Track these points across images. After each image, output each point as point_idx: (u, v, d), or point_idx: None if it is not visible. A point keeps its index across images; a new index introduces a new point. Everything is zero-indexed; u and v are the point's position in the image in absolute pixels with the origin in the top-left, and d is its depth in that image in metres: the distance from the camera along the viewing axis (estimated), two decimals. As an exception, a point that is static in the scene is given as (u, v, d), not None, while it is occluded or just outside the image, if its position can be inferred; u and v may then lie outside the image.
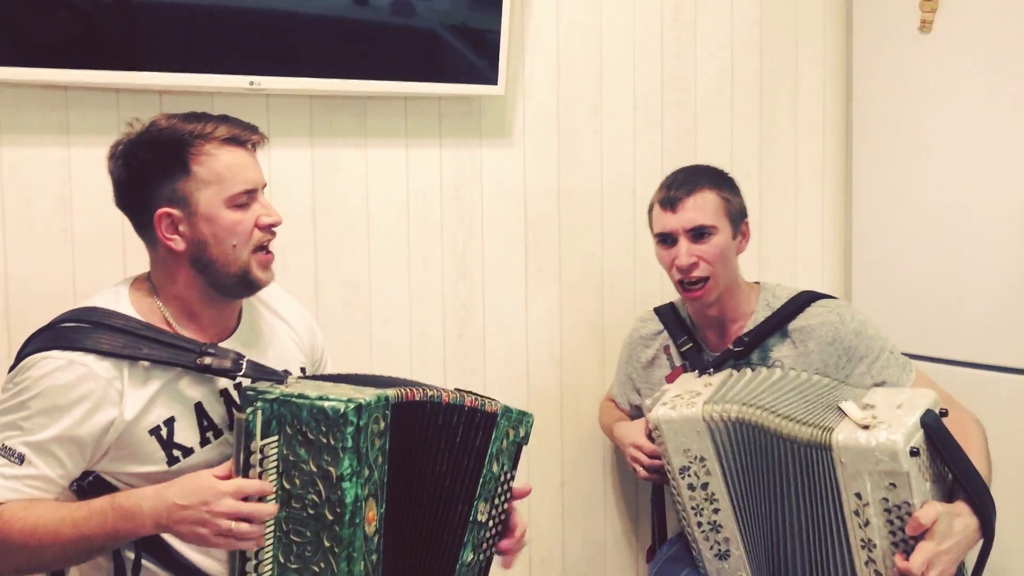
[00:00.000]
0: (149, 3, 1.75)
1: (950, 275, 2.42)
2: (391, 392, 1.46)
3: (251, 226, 1.50)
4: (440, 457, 1.56)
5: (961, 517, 1.63)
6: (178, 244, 1.48)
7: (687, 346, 2.05)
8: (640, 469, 1.99)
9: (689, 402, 1.81)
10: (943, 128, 2.43)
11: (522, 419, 1.66)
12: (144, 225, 1.50)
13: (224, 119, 1.52)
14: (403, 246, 2.15)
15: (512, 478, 1.66)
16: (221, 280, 1.51)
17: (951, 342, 2.38)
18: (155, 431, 1.47)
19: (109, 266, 1.79)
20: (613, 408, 2.29)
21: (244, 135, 1.51)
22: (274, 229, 1.54)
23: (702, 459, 1.80)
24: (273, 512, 1.37)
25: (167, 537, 1.46)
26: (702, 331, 2.07)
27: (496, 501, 1.63)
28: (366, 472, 1.40)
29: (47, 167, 1.76)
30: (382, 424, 1.44)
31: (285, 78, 1.90)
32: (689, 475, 1.82)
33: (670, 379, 2.04)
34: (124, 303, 1.51)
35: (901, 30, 2.50)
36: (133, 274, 1.59)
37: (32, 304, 1.73)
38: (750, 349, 1.97)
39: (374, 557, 1.45)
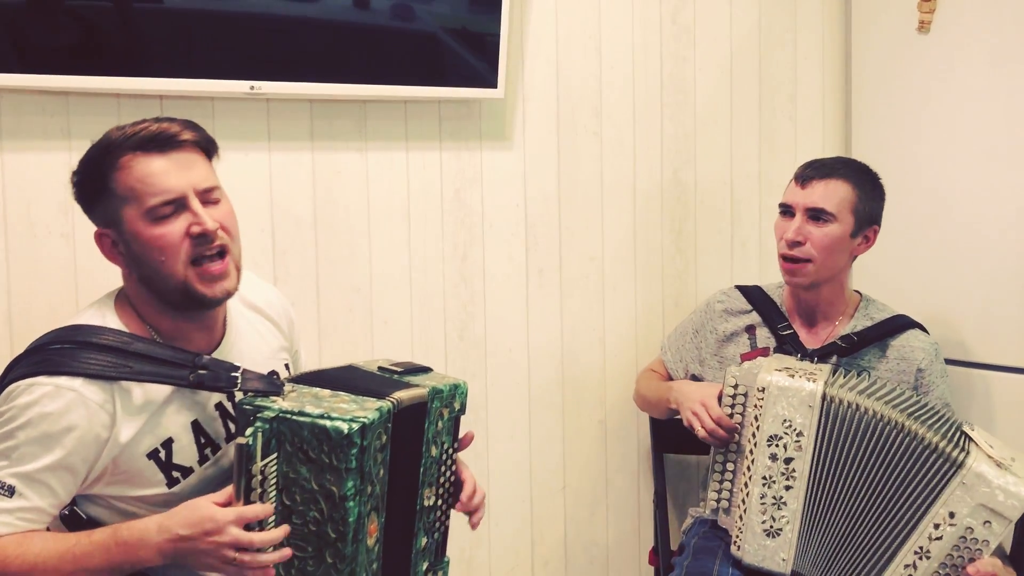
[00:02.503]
0: (150, 9, 1.76)
1: (949, 274, 2.42)
2: (391, 404, 1.43)
3: (178, 238, 1.40)
4: (399, 459, 1.50)
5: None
6: (120, 263, 1.45)
7: (787, 331, 2.07)
8: (699, 428, 1.92)
9: (808, 376, 1.82)
10: (942, 128, 2.43)
11: (454, 393, 1.59)
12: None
13: (159, 120, 1.42)
14: (404, 249, 2.15)
15: (456, 449, 1.62)
16: (166, 296, 1.44)
17: (951, 341, 2.38)
18: (153, 454, 1.44)
19: (110, 271, 1.78)
20: (657, 376, 2.28)
21: (167, 134, 1.40)
22: (211, 237, 1.41)
23: (799, 434, 1.79)
24: (277, 538, 1.34)
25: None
26: (790, 319, 2.10)
27: (441, 480, 1.60)
28: (368, 489, 1.38)
29: (49, 173, 1.76)
30: (384, 438, 1.42)
31: (285, 83, 1.90)
32: (777, 445, 1.81)
33: (747, 357, 2.05)
34: (111, 318, 1.46)
35: (900, 30, 2.50)
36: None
37: (34, 309, 1.73)
38: (854, 349, 2.02)
39: (375, 566, 1.45)
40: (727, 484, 1.90)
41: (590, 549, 2.45)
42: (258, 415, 1.35)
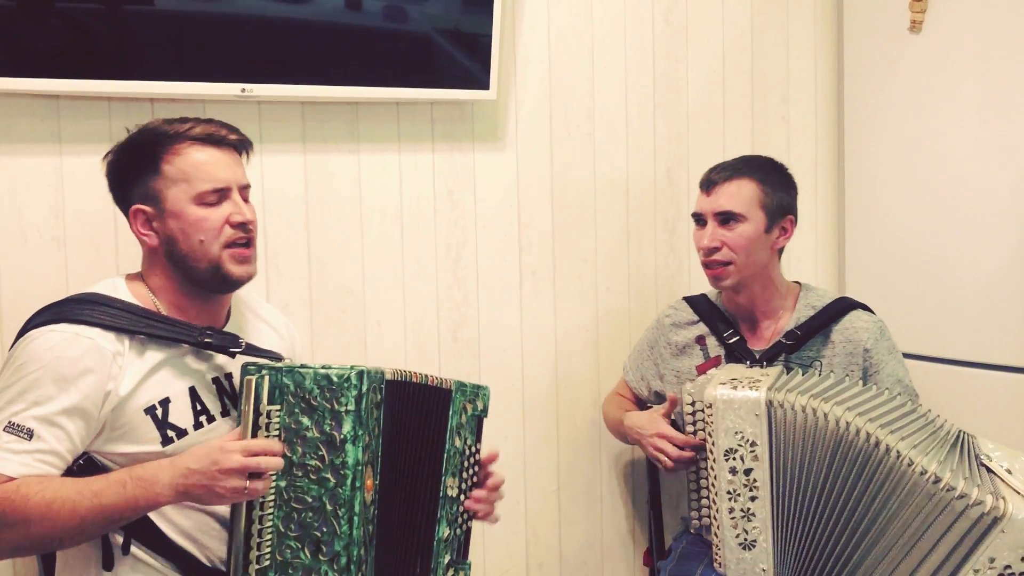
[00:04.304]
0: (140, 12, 1.75)
1: (942, 274, 2.43)
2: (382, 370, 1.53)
3: (220, 223, 1.53)
4: (410, 435, 1.61)
5: None
6: (151, 239, 1.54)
7: (734, 338, 2.07)
8: (666, 460, 1.93)
9: (751, 385, 1.82)
10: (934, 127, 2.44)
11: (478, 392, 1.72)
12: (128, 220, 1.57)
13: (208, 121, 1.57)
14: (397, 250, 2.15)
15: (478, 451, 1.73)
16: (194, 274, 1.55)
17: (944, 340, 2.38)
18: (150, 410, 1.49)
19: (102, 274, 1.78)
20: (621, 401, 2.28)
21: (220, 134, 1.55)
22: (249, 227, 1.56)
23: (753, 444, 1.79)
24: (279, 464, 1.41)
25: (157, 522, 1.49)
26: (738, 321, 2.10)
27: (464, 475, 1.69)
28: (366, 438, 1.45)
29: (39, 176, 1.76)
30: (379, 396, 1.50)
31: (277, 85, 1.90)
32: (734, 458, 1.81)
33: (702, 369, 2.05)
34: (123, 291, 1.56)
35: (891, 30, 2.51)
36: None
37: (25, 314, 1.71)
38: (800, 343, 2.01)
39: (371, 527, 1.49)
40: (704, 501, 1.90)
41: (584, 550, 2.45)
42: (263, 368, 1.45)
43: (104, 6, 1.71)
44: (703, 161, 2.27)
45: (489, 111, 2.24)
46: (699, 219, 2.05)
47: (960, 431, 1.82)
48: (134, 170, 1.54)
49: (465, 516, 1.70)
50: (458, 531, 1.69)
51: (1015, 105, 2.28)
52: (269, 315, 1.79)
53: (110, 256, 1.81)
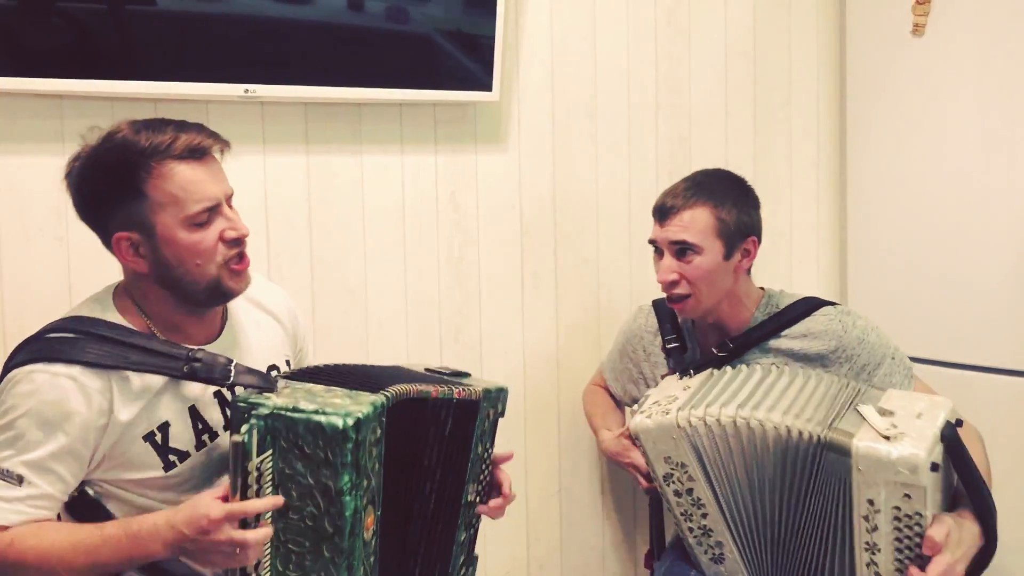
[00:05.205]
0: (143, 12, 1.75)
1: (945, 277, 2.42)
2: (385, 397, 1.45)
3: (215, 243, 1.45)
4: (429, 450, 1.58)
5: (967, 524, 1.64)
6: (141, 266, 1.46)
7: (673, 344, 2.02)
8: (644, 480, 1.95)
9: (664, 409, 1.79)
10: (936, 130, 2.44)
11: (499, 396, 1.68)
12: (107, 243, 1.47)
13: (182, 127, 1.44)
14: (399, 252, 2.15)
15: (492, 449, 1.69)
16: (191, 296, 1.48)
17: (946, 344, 2.38)
18: (149, 437, 1.46)
19: (105, 275, 1.78)
20: (603, 396, 2.26)
21: (203, 145, 1.44)
22: (243, 241, 1.49)
23: (683, 465, 1.78)
24: (268, 535, 1.36)
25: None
26: (702, 332, 2.03)
27: (481, 478, 1.67)
28: (364, 483, 1.39)
29: (42, 176, 1.75)
30: (378, 432, 1.43)
31: (280, 86, 1.90)
32: (673, 482, 1.81)
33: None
34: (110, 312, 1.49)
35: (894, 33, 2.51)
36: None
37: (28, 314, 1.72)
38: (737, 354, 1.93)
39: (372, 559, 1.46)
40: (676, 524, 1.90)
41: (586, 552, 2.45)
42: (252, 412, 1.36)
43: (106, 6, 1.71)
44: (705, 163, 2.27)
45: (491, 112, 2.24)
46: (656, 248, 1.94)
47: (862, 388, 1.78)
48: (114, 196, 1.42)
49: (477, 516, 1.70)
50: (471, 531, 1.69)
51: (1017, 108, 2.28)
52: (268, 299, 1.71)
53: (112, 257, 1.81)
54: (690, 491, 1.80)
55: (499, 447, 2.26)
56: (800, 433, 1.67)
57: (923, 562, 1.60)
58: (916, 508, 1.59)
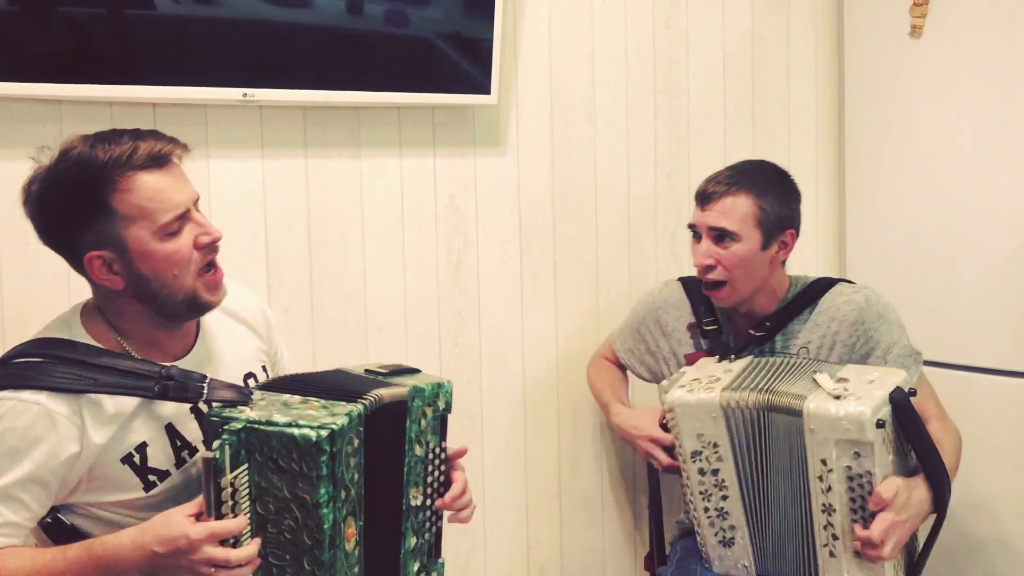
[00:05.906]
0: (142, 16, 1.75)
1: (943, 278, 2.43)
2: (363, 406, 1.42)
3: (189, 251, 1.42)
4: (380, 455, 1.50)
5: (918, 490, 1.72)
6: (116, 283, 1.41)
7: (711, 327, 2.02)
8: (657, 464, 1.96)
9: (707, 386, 1.81)
10: (935, 132, 2.44)
11: (438, 392, 1.58)
12: (77, 265, 1.43)
13: (138, 135, 1.40)
14: (398, 255, 2.15)
15: (444, 450, 1.61)
16: (168, 309, 1.44)
17: (945, 345, 2.38)
18: (127, 459, 1.43)
19: (104, 279, 1.79)
20: (610, 370, 2.25)
21: (164, 152, 1.40)
22: (216, 245, 1.46)
23: (715, 445, 1.80)
24: (252, 554, 1.33)
25: None
26: (732, 315, 2.04)
27: (429, 479, 1.59)
28: (343, 495, 1.38)
29: (41, 181, 1.75)
30: (356, 443, 1.41)
31: (278, 90, 1.90)
32: (701, 460, 1.82)
33: (690, 359, 2.03)
34: (77, 331, 1.45)
35: (892, 35, 2.51)
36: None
37: (27, 319, 1.72)
38: (772, 334, 1.97)
39: (356, 568, 1.44)
40: (689, 502, 1.91)
41: (586, 555, 2.45)
42: (225, 427, 1.34)
43: (106, 11, 1.71)
44: (704, 166, 2.27)
45: (490, 116, 2.24)
46: (695, 232, 1.97)
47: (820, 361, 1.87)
48: (81, 215, 1.37)
49: (433, 519, 1.62)
50: (427, 535, 1.61)
51: (1016, 109, 2.28)
52: (241, 307, 1.66)
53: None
54: (716, 471, 1.82)
55: (499, 447, 2.26)
56: (771, 405, 1.73)
57: (871, 521, 1.66)
58: (866, 467, 1.65)
